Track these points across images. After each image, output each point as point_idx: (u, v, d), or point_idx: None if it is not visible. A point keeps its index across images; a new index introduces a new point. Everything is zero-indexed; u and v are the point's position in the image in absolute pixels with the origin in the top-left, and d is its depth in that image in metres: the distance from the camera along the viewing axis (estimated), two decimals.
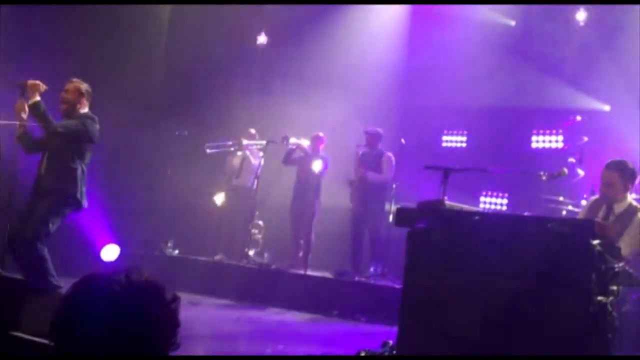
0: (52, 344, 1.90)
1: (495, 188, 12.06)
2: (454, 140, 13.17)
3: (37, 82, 6.91)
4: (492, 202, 12.09)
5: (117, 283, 1.93)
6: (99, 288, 1.91)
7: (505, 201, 12.01)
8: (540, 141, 11.89)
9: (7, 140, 7.73)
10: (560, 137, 11.49)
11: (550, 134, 11.73)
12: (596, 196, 6.78)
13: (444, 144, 13.21)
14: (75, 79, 7.22)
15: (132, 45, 11.68)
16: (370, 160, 10.78)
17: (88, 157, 7.08)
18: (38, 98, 6.85)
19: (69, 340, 1.86)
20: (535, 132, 11.93)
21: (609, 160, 6.48)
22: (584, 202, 7.30)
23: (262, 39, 14.04)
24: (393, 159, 10.65)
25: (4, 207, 7.04)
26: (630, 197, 6.45)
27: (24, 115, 6.97)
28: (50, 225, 6.78)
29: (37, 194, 6.93)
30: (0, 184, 7.66)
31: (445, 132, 13.24)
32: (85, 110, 7.15)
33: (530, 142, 11.98)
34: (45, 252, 6.71)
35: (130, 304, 1.88)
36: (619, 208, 6.31)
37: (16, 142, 7.15)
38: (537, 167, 7.68)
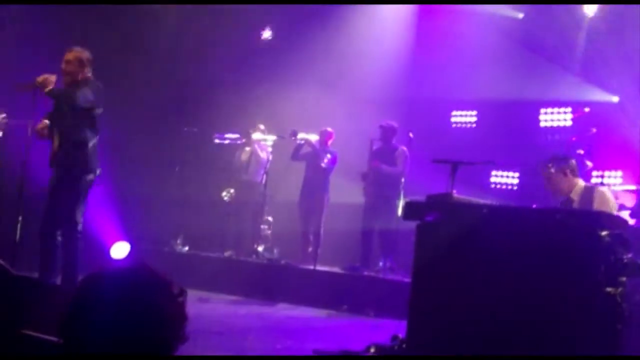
0: (60, 341, 1.90)
1: (506, 166, 12.03)
2: (464, 121, 13.20)
3: (46, 76, 6.82)
4: (503, 182, 12.10)
5: (124, 278, 1.94)
6: (107, 284, 1.92)
7: (516, 180, 12.02)
8: (549, 120, 11.88)
9: (17, 139, 7.74)
10: (569, 115, 11.48)
11: (559, 113, 11.71)
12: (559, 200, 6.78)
13: (453, 125, 13.24)
14: (75, 48, 7.07)
15: (139, 42, 11.69)
16: (384, 154, 10.74)
17: (98, 126, 6.99)
18: (51, 87, 6.79)
19: (77, 337, 1.87)
20: (544, 111, 11.92)
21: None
22: None
23: (267, 34, 14.00)
24: (407, 153, 10.62)
25: (14, 207, 7.03)
26: (581, 180, 6.47)
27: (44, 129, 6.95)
28: (82, 205, 6.84)
29: (55, 171, 6.93)
30: (10, 183, 7.69)
31: (453, 120, 13.24)
32: (88, 75, 7.02)
33: (539, 120, 11.96)
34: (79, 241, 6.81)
35: (137, 299, 1.89)
36: (575, 195, 6.34)
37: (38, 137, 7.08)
38: (546, 145, 7.65)
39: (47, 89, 6.77)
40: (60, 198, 6.85)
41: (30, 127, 7.01)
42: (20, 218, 6.89)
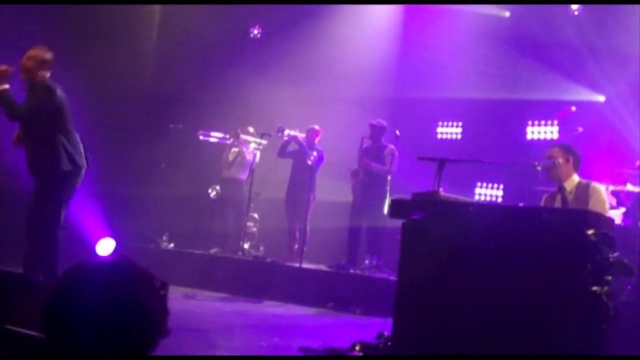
0: (42, 335, 1.88)
1: (491, 179, 12.03)
2: (449, 132, 13.13)
3: (5, 67, 6.72)
4: (488, 193, 12.07)
5: (104, 271, 1.92)
6: (87, 277, 1.90)
7: (500, 192, 12.00)
8: (535, 132, 11.86)
9: None
10: (556, 128, 11.48)
11: (546, 125, 11.70)
12: (549, 192, 6.78)
13: (438, 136, 13.17)
14: (39, 47, 6.99)
15: (124, 38, 11.64)
16: (373, 152, 10.73)
17: (67, 123, 6.91)
18: (7, 85, 6.71)
19: (57, 330, 1.85)
20: (530, 123, 11.90)
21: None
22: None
23: (255, 30, 13.96)
24: (396, 151, 10.62)
25: None
26: (578, 177, 6.48)
27: None
28: (62, 203, 6.80)
29: (33, 173, 6.92)
30: None
31: (440, 123, 13.20)
32: (45, 80, 6.89)
33: (525, 133, 11.95)
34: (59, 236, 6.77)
35: (118, 292, 1.87)
36: (570, 185, 6.34)
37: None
38: (532, 158, 7.67)
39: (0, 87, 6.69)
40: (38, 198, 6.82)
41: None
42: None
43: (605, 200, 6.29)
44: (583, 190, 6.28)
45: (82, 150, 7.00)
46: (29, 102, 6.80)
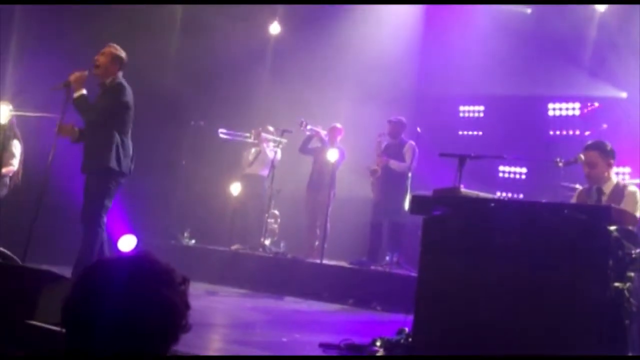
0: (63, 330, 1.90)
1: (514, 160, 12.00)
2: (471, 116, 13.12)
3: (80, 73, 6.98)
4: (512, 172, 12.05)
5: (125, 266, 1.93)
6: (108, 273, 1.91)
7: (524, 170, 11.97)
8: (557, 109, 11.82)
9: (44, 134, 7.82)
10: (577, 104, 11.44)
11: (567, 109, 11.67)
12: (583, 186, 6.75)
13: (460, 133, 13.15)
14: (113, 44, 7.22)
15: (145, 36, 11.68)
16: (392, 149, 10.74)
17: (127, 125, 7.13)
18: (84, 91, 6.98)
19: (78, 325, 1.86)
20: (552, 101, 11.87)
21: (586, 143, 6.54)
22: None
23: (274, 28, 13.95)
24: (416, 147, 10.61)
25: (36, 200, 7.07)
26: (615, 176, 6.45)
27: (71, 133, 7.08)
28: (106, 202, 6.95)
29: (83, 170, 7.08)
30: (34, 177, 7.77)
31: (461, 113, 13.19)
32: (117, 78, 7.15)
33: (547, 127, 11.90)
34: (99, 238, 6.91)
35: (139, 287, 1.88)
36: (607, 188, 6.33)
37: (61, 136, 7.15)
38: (554, 153, 7.62)
39: (76, 94, 6.94)
40: (87, 196, 7.01)
41: (58, 123, 7.09)
42: (38, 211, 6.94)
43: (638, 201, 6.24)
44: (619, 193, 6.26)
45: (130, 155, 7.17)
46: (101, 103, 7.02)
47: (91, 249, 6.80)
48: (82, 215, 6.98)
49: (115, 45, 7.24)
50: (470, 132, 13.09)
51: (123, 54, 7.22)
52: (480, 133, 12.92)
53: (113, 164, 6.93)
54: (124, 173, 7.08)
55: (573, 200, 6.83)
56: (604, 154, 6.38)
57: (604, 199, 6.26)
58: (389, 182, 10.56)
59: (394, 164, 10.57)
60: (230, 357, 4.86)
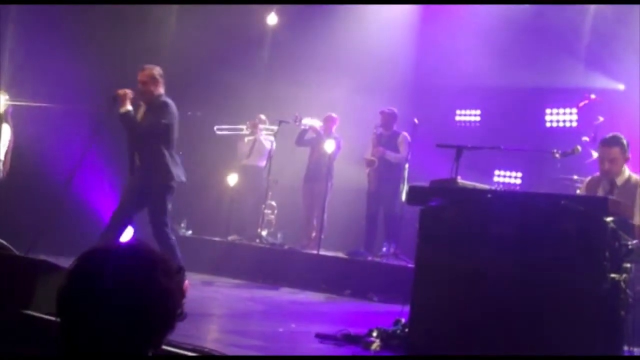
0: (58, 319, 1.89)
1: (510, 164, 11.99)
2: (468, 114, 13.09)
3: (128, 91, 7.26)
4: (506, 180, 12.03)
5: (121, 255, 1.92)
6: (103, 261, 1.91)
7: (519, 175, 11.96)
8: (554, 120, 11.80)
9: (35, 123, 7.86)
10: (575, 116, 11.41)
11: (564, 113, 11.64)
12: (593, 175, 6.74)
13: (457, 118, 13.13)
14: (147, 66, 7.42)
15: (141, 26, 11.66)
16: (386, 140, 10.77)
17: (173, 139, 7.40)
18: (130, 107, 7.27)
19: (73, 314, 1.86)
20: (549, 109, 11.84)
21: (606, 137, 6.49)
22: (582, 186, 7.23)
23: (271, 19, 13.91)
24: (409, 138, 10.62)
25: (30, 193, 7.11)
26: (627, 169, 6.43)
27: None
28: (168, 209, 7.37)
29: (136, 184, 7.38)
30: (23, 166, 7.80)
31: (458, 111, 13.16)
32: (161, 92, 7.40)
33: (544, 120, 11.89)
34: (173, 240, 7.33)
35: (134, 275, 1.87)
36: (620, 181, 6.32)
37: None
38: (551, 145, 7.61)
39: (122, 109, 7.24)
40: (152, 209, 7.35)
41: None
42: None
43: None
44: (631, 186, 6.24)
45: (180, 164, 7.53)
46: (148, 119, 7.32)
47: (174, 254, 7.02)
48: (152, 225, 7.31)
49: (149, 66, 7.43)
50: (467, 117, 13.07)
51: (158, 69, 7.45)
52: (478, 121, 12.90)
53: (173, 181, 7.32)
54: (181, 181, 7.47)
55: (582, 189, 6.84)
56: (623, 149, 6.35)
57: (616, 192, 6.23)
58: (383, 173, 10.59)
59: (390, 155, 10.60)
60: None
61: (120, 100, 7.25)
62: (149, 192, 7.31)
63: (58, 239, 8.05)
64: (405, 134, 10.71)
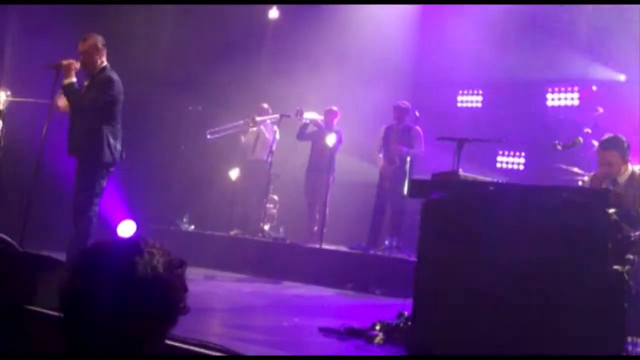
0: (60, 315, 1.89)
1: (512, 147, 11.96)
2: (470, 100, 13.09)
3: (72, 61, 7.06)
4: (509, 162, 12.04)
5: (122, 250, 1.92)
6: (106, 256, 1.91)
7: (522, 160, 11.95)
8: (555, 99, 11.79)
9: (35, 120, 7.82)
10: (576, 94, 11.39)
11: (566, 91, 11.62)
12: (595, 172, 6.70)
13: (459, 104, 13.13)
14: (88, 35, 7.20)
15: (141, 20, 11.64)
16: (399, 135, 10.70)
17: (117, 114, 7.18)
18: (74, 79, 7.06)
19: (76, 309, 1.86)
20: (550, 89, 11.83)
21: (604, 139, 6.41)
22: (586, 179, 7.19)
23: (273, 12, 13.88)
24: (421, 132, 10.59)
25: (28, 186, 7.09)
26: (630, 165, 6.37)
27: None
28: (97, 191, 7.05)
29: (71, 153, 7.19)
30: (20, 162, 7.76)
31: (460, 97, 13.15)
32: (104, 62, 7.19)
33: (545, 99, 11.87)
34: (91, 227, 7.00)
35: (137, 270, 1.87)
36: (623, 179, 6.26)
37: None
38: (553, 127, 7.60)
39: (66, 81, 7.03)
40: (77, 184, 7.11)
41: (49, 107, 7.17)
42: (30, 197, 6.96)
43: None
44: (635, 181, 6.20)
45: (121, 143, 7.24)
46: (90, 95, 7.08)
47: (85, 239, 6.85)
48: (74, 204, 7.05)
49: (88, 35, 7.22)
50: (468, 103, 13.05)
51: (101, 38, 7.23)
52: (479, 105, 12.88)
53: (107, 157, 7.06)
54: (116, 160, 7.20)
55: (586, 183, 6.81)
56: (621, 151, 6.27)
57: (619, 189, 6.19)
58: (395, 169, 10.54)
59: (410, 152, 10.49)
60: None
61: (64, 71, 7.04)
62: (80, 169, 7.11)
63: (59, 234, 8.03)
64: (418, 127, 10.65)
